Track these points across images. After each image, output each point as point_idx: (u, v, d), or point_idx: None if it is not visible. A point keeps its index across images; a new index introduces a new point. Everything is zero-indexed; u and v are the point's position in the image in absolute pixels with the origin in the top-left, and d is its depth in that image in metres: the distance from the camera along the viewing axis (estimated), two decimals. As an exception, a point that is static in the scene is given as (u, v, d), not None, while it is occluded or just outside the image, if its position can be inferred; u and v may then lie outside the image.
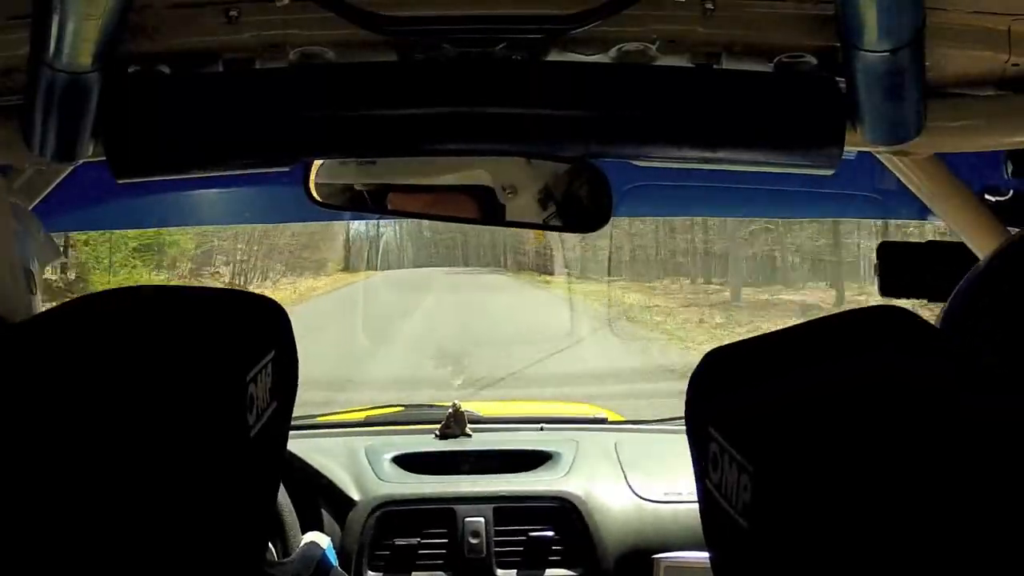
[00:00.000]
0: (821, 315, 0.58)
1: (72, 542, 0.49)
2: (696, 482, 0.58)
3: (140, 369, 0.52)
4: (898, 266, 1.31)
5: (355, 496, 1.91)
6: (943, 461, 0.43)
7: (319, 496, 1.90)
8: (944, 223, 1.27)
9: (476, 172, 1.22)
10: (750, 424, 0.51)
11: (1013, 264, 0.64)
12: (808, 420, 0.47)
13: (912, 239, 1.33)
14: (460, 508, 1.89)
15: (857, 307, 0.57)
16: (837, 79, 0.97)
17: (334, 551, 1.52)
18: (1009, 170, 1.19)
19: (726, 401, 0.55)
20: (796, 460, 0.46)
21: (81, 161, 1.02)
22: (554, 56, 0.99)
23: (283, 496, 1.65)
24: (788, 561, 0.46)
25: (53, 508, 0.48)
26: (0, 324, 0.70)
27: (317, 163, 1.27)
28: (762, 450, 0.49)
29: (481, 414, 2.23)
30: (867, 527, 0.42)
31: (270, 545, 1.56)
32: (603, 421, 2.31)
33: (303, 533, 1.70)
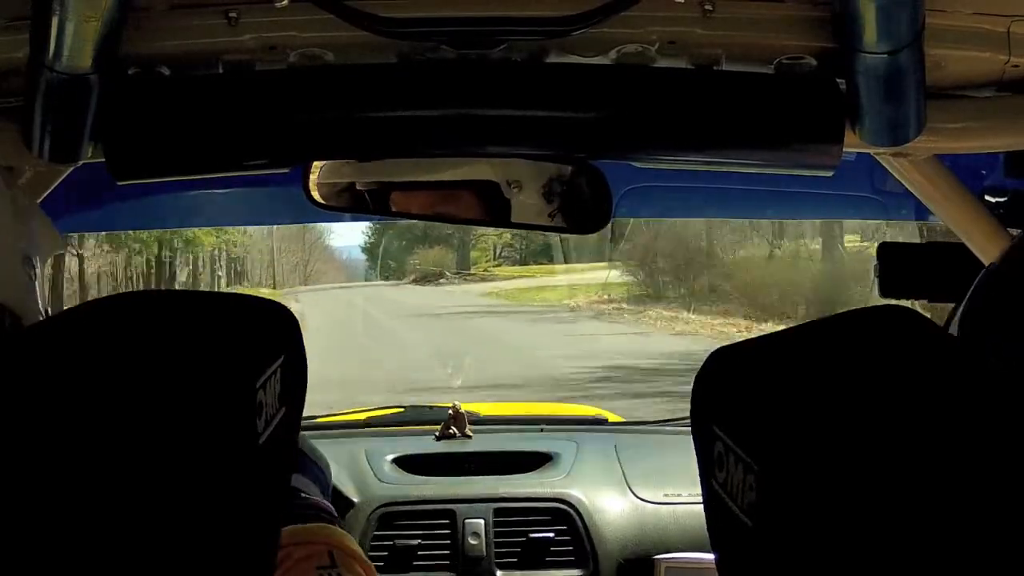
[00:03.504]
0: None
1: (79, 548, 0.49)
2: (701, 481, 0.58)
3: (149, 375, 0.52)
4: (898, 267, 1.31)
5: (355, 497, 1.91)
6: (950, 462, 0.43)
7: None
8: (944, 224, 1.27)
9: (480, 168, 1.21)
10: (756, 423, 0.51)
11: (1021, 265, 0.64)
12: (814, 419, 0.47)
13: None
14: (460, 509, 1.89)
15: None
16: (837, 80, 0.97)
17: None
18: (1009, 171, 1.19)
19: (732, 400, 0.55)
20: (802, 459, 0.46)
21: (81, 162, 1.02)
22: (554, 58, 0.99)
23: None
24: (793, 560, 0.46)
25: (60, 513, 0.48)
26: (3, 315, 0.70)
27: (317, 164, 1.27)
28: (768, 449, 0.49)
29: (481, 415, 2.23)
30: (872, 526, 0.42)
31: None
32: (603, 422, 2.31)
33: None
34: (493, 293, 26.90)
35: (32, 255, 0.81)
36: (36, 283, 0.81)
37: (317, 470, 1.14)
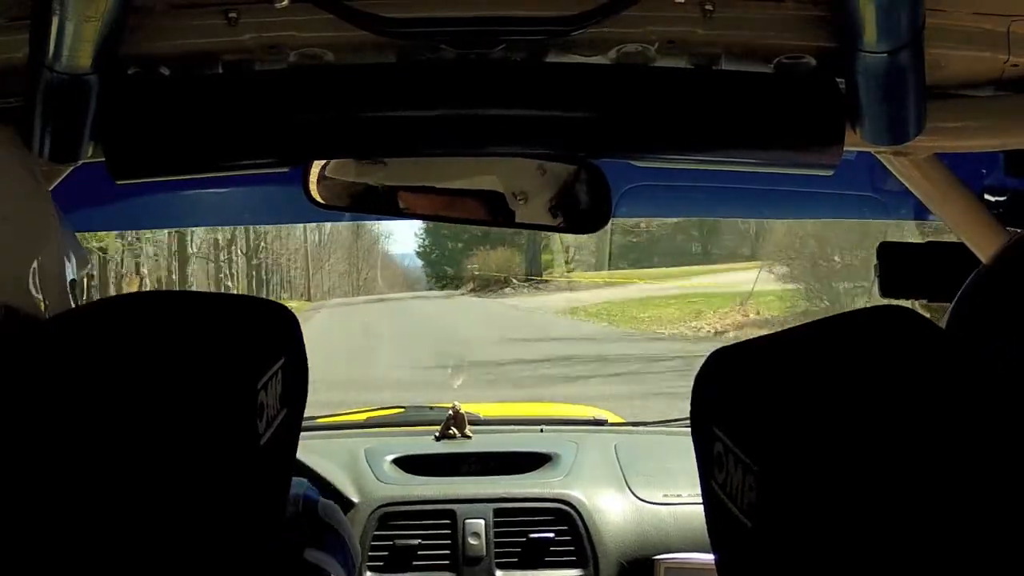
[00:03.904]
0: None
1: (81, 546, 0.49)
2: (701, 482, 0.58)
3: (151, 376, 0.52)
4: (898, 266, 1.31)
5: (355, 498, 1.91)
6: (950, 463, 0.43)
7: None
8: (944, 223, 1.27)
9: (487, 178, 1.21)
10: (755, 424, 0.51)
11: (1014, 265, 0.64)
12: (813, 420, 0.47)
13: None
14: (460, 509, 1.89)
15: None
16: (837, 80, 0.97)
17: (315, 488, 1.52)
18: (1009, 171, 1.19)
19: (731, 401, 0.55)
20: (801, 460, 0.46)
21: (81, 162, 1.02)
22: (554, 58, 0.99)
23: None
24: (793, 561, 0.46)
25: (60, 512, 0.48)
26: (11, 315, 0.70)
27: (317, 164, 1.27)
28: (767, 450, 0.49)
29: (481, 415, 2.23)
30: (871, 527, 0.42)
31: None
32: (603, 423, 2.31)
33: None
34: (579, 309, 18.43)
35: (72, 276, 0.80)
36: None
37: (349, 557, 1.15)
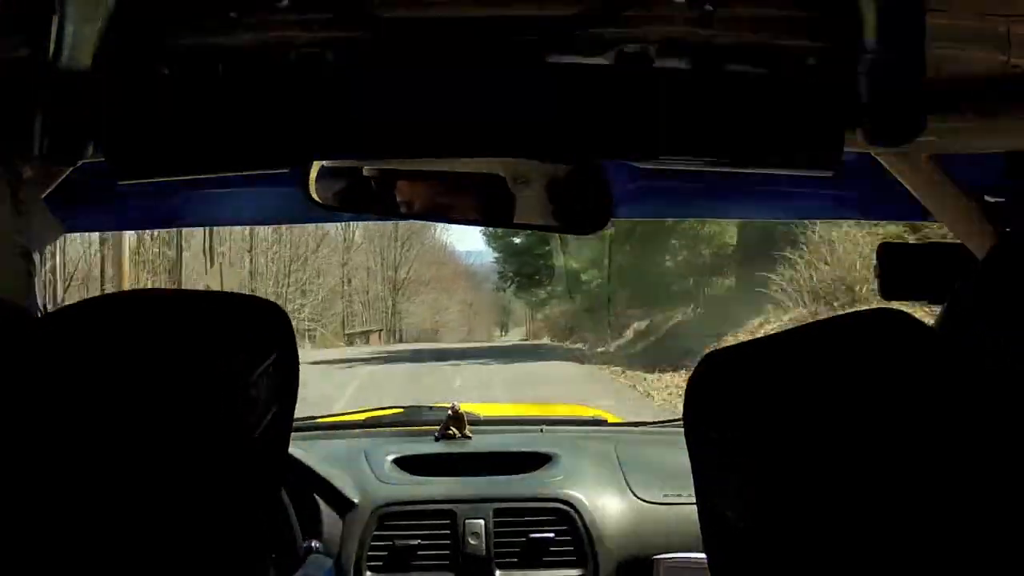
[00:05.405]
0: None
1: (74, 543, 0.49)
2: (695, 484, 0.58)
3: (144, 371, 0.52)
4: (898, 268, 1.31)
5: (355, 498, 1.91)
6: (944, 466, 0.43)
7: (319, 498, 1.90)
8: (943, 224, 1.27)
9: (487, 161, 1.21)
10: (748, 427, 0.51)
11: (1005, 264, 0.64)
12: (806, 423, 0.47)
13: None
14: (460, 510, 1.89)
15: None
16: (837, 81, 0.97)
17: (333, 572, 1.53)
18: (1009, 171, 1.19)
19: (725, 404, 0.55)
20: (793, 463, 0.46)
21: (81, 162, 1.02)
22: (553, 58, 0.99)
23: (283, 499, 1.65)
24: (786, 563, 0.46)
25: (55, 509, 0.48)
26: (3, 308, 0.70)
27: (317, 164, 1.27)
28: (760, 453, 0.49)
29: (481, 415, 2.23)
30: (865, 530, 0.42)
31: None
32: (602, 423, 2.31)
33: (304, 536, 1.70)
34: None
35: (32, 249, 0.81)
36: (36, 279, 0.80)
37: None
